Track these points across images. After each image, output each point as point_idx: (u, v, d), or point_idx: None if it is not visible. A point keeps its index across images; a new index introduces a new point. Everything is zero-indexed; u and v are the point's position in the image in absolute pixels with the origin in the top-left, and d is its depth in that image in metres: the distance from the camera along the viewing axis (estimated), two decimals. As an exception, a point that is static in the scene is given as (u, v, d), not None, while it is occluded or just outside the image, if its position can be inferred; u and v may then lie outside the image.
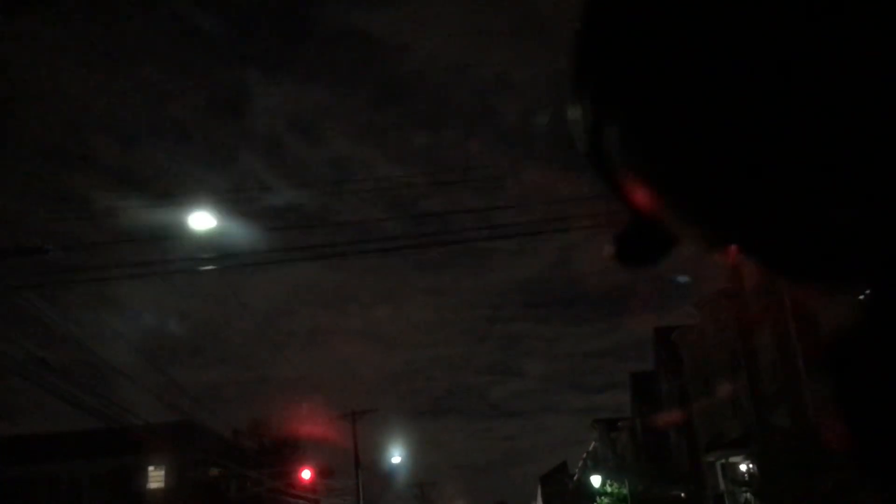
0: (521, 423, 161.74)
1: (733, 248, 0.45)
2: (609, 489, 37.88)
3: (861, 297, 0.39)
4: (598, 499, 38.73)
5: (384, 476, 46.36)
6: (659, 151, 0.43)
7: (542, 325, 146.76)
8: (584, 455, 65.65)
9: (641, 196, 0.47)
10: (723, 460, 33.52)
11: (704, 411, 36.83)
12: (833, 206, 0.37)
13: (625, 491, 36.81)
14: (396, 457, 44.52)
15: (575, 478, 72.43)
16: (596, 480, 40.14)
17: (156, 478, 32.49)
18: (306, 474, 28.99)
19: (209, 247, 15.71)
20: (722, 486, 33.64)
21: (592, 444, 61.15)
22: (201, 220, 15.41)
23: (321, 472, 31.22)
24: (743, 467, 33.41)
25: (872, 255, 0.38)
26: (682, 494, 38.34)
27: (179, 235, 15.25)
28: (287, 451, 42.86)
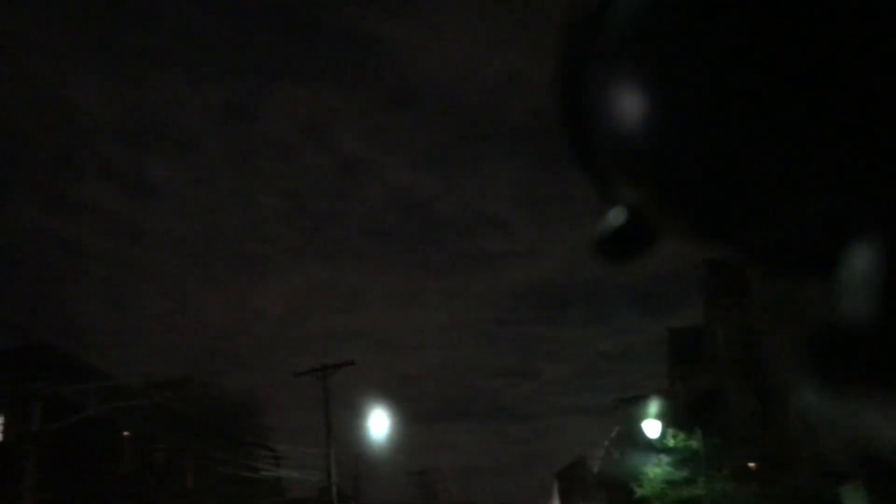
0: (536, 426, 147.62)
1: None
2: (673, 443, 24.50)
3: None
4: (659, 457, 25.20)
5: (362, 451, 33.25)
6: (641, 144, 0.40)
7: (555, 326, 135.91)
8: (607, 443, 52.37)
9: (624, 188, 0.44)
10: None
11: (787, 347, 23.75)
12: (812, 196, 0.36)
13: (694, 444, 23.49)
14: (380, 422, 31.35)
15: (596, 470, 59.47)
16: (653, 429, 26.39)
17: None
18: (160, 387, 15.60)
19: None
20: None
21: (616, 429, 47.85)
22: None
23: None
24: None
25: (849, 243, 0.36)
26: (751, 464, 25.23)
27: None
28: (239, 418, 30.29)
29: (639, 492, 25.87)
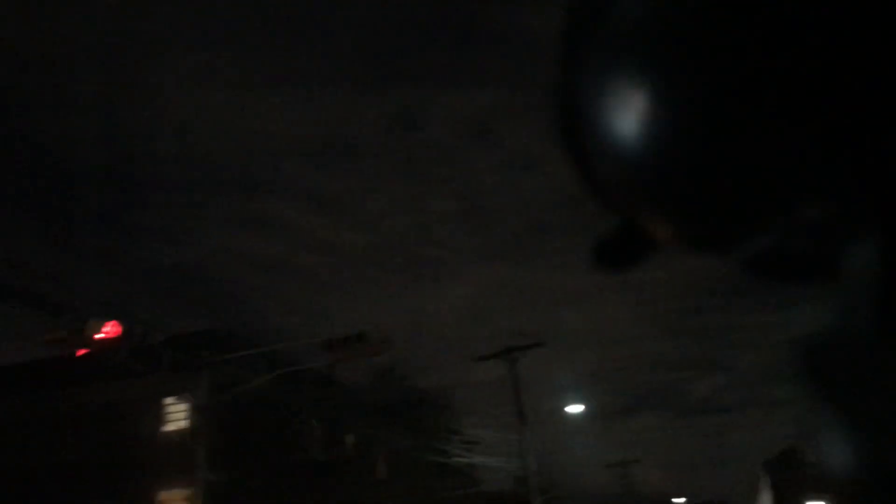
0: (729, 418, 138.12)
1: None
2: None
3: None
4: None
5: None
6: (635, 151, 0.39)
7: (745, 313, 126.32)
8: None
9: (621, 198, 0.44)
10: None
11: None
12: (807, 203, 0.35)
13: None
14: (576, 405, 28.53)
15: (815, 459, 53.17)
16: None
17: (175, 414, 18.60)
18: (328, 347, 12.86)
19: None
20: None
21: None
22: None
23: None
24: None
25: (845, 252, 0.35)
26: None
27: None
28: (428, 404, 28.71)
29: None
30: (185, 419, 18.37)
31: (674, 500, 60.20)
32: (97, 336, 10.38)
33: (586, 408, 29.37)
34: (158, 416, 19.14)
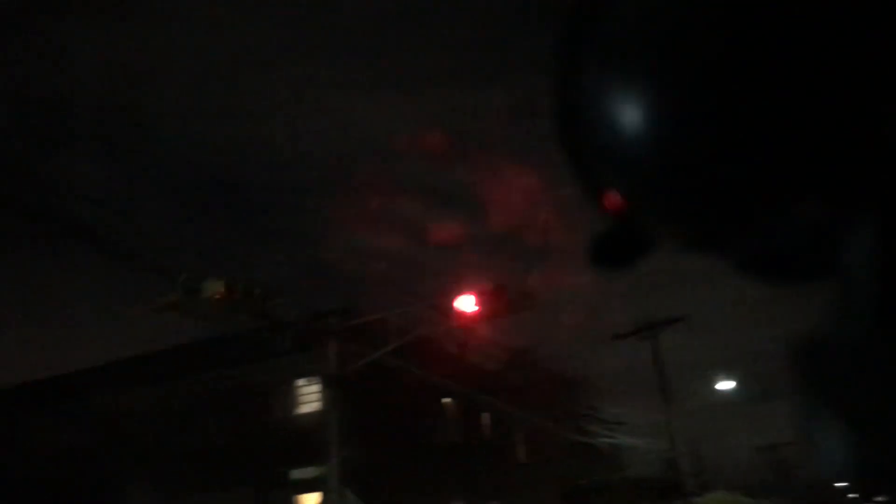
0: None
1: None
2: None
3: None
4: None
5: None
6: (631, 150, 0.39)
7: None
8: None
9: (617, 197, 0.44)
10: None
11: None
12: (802, 203, 0.35)
13: None
14: (726, 382, 26.16)
15: None
16: None
17: (308, 397, 17.94)
18: (465, 303, 11.61)
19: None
20: None
21: None
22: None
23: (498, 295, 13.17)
24: None
25: (841, 250, 0.35)
26: None
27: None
28: (566, 385, 27.14)
29: None
30: (316, 401, 17.68)
31: (836, 484, 55.76)
32: (213, 297, 9.59)
33: (728, 391, 27.00)
34: (290, 398, 18.57)
